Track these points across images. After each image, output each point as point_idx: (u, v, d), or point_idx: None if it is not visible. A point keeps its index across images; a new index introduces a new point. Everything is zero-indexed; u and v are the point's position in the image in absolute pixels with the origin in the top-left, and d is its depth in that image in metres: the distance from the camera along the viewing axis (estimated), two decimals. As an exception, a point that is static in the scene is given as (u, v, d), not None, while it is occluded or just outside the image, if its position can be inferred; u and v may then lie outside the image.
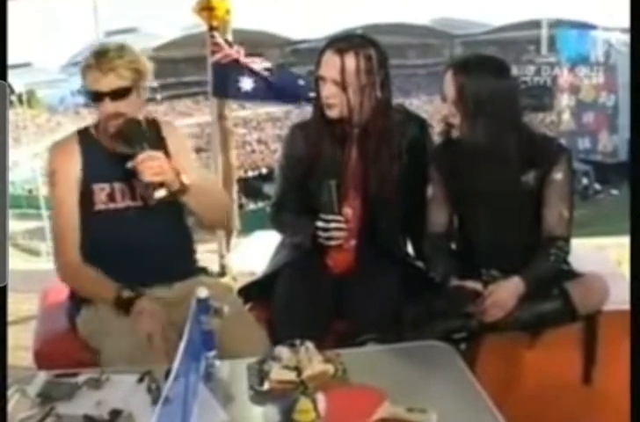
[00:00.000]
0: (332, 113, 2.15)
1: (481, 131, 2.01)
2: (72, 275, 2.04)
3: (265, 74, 4.03)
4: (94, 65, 1.97)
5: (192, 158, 2.21)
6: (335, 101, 2.12)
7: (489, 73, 2.02)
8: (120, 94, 1.99)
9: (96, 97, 1.99)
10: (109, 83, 1.97)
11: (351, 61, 2.09)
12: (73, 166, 2.04)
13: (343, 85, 2.10)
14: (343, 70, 2.08)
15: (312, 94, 2.33)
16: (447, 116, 2.05)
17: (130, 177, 2.00)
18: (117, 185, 2.04)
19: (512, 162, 2.04)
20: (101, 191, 2.04)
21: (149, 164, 1.91)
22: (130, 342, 1.86)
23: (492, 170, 2.05)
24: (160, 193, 1.92)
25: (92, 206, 2.04)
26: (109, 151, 2.06)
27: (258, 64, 4.04)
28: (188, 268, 2.16)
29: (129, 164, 1.93)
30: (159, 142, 2.08)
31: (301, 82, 4.01)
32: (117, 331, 1.92)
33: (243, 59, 4.01)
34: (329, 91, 2.12)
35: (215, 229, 2.27)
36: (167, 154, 2.02)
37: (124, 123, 1.99)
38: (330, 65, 2.10)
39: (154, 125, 2.13)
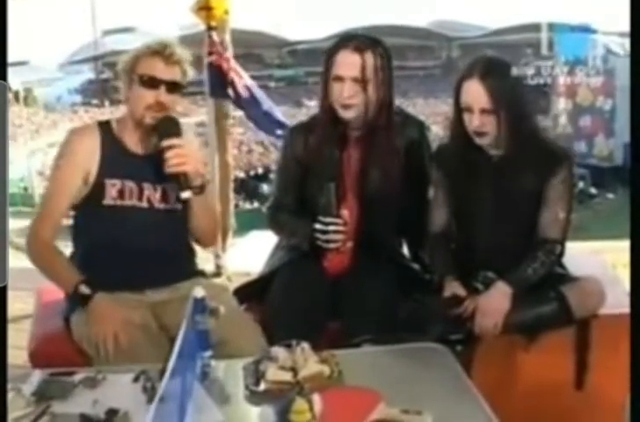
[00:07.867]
0: (349, 114, 2.12)
1: (522, 135, 2.00)
2: (41, 253, 2.04)
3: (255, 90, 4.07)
4: (161, 53, 1.99)
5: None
6: (355, 101, 2.09)
7: (510, 74, 2.02)
8: (175, 88, 2.02)
9: (151, 83, 1.99)
10: (172, 74, 2.00)
11: (370, 58, 2.08)
12: (89, 156, 2.04)
13: (364, 83, 2.07)
14: (364, 68, 2.06)
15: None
16: (480, 126, 1.97)
17: (141, 177, 2.05)
18: (128, 184, 2.04)
19: (521, 164, 2.03)
20: (112, 186, 2.04)
21: (178, 152, 1.97)
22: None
23: (501, 173, 2.05)
24: (186, 195, 1.98)
25: (101, 199, 2.04)
26: (126, 149, 2.08)
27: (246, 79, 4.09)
28: (186, 271, 2.14)
29: (164, 143, 1.97)
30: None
31: (278, 131, 4.07)
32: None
33: (233, 64, 4.03)
34: (350, 91, 2.08)
35: (204, 242, 2.25)
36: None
37: (164, 118, 2.01)
38: (350, 64, 2.07)
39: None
